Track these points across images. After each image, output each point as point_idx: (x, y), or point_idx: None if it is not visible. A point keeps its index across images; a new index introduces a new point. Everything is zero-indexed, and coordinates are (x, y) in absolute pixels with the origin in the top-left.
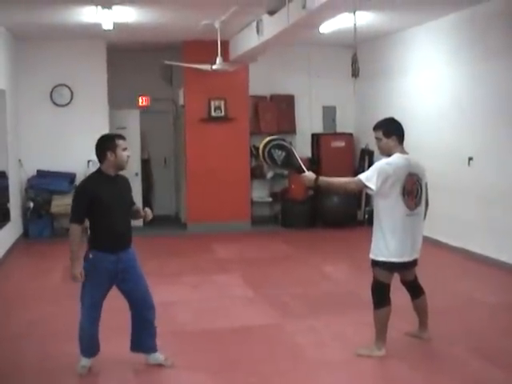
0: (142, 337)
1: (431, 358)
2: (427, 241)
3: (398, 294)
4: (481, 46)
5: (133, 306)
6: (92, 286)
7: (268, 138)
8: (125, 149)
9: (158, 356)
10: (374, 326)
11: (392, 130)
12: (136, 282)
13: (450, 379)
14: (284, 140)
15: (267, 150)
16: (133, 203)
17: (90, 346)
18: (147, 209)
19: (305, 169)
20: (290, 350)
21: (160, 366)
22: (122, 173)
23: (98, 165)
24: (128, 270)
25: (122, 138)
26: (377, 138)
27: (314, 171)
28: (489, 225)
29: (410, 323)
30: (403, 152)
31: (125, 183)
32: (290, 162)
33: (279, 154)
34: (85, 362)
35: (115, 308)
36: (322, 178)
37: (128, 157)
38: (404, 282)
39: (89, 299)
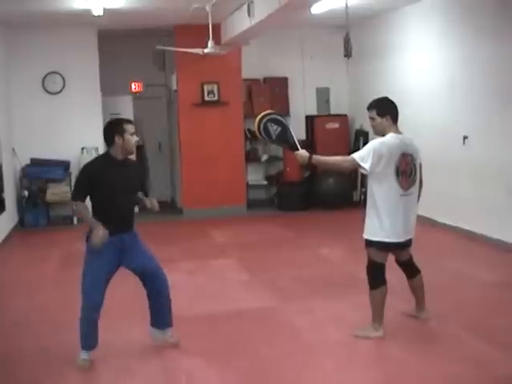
0: (160, 312)
1: (428, 337)
2: (420, 219)
3: (394, 274)
4: (471, 25)
5: (146, 283)
6: (93, 268)
7: (265, 112)
8: (133, 133)
9: (167, 332)
10: (371, 307)
11: (386, 109)
12: (143, 258)
13: (447, 359)
14: (281, 115)
15: (263, 123)
16: (138, 190)
17: (88, 336)
18: (154, 200)
19: (299, 146)
20: (288, 333)
21: (164, 346)
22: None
23: (93, 151)
24: (132, 248)
25: (129, 122)
26: (371, 118)
27: (309, 153)
28: (483, 203)
29: (407, 303)
30: (397, 132)
31: (133, 169)
32: (284, 137)
33: (275, 129)
34: (84, 355)
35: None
36: (316, 157)
37: (136, 141)
38: (399, 263)
39: (89, 280)
